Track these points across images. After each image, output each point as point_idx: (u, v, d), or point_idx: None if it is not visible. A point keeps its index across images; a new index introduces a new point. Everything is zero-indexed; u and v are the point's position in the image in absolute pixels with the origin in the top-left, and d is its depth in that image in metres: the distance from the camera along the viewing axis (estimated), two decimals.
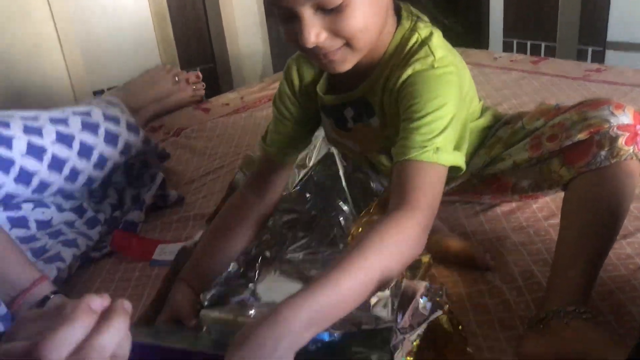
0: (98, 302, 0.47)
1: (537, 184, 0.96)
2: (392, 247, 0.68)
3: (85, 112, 1.25)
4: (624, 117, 0.83)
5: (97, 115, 1.26)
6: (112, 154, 1.24)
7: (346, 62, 0.78)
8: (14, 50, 2.20)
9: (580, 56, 2.81)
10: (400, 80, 0.80)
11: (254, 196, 0.96)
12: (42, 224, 1.17)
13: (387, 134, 0.87)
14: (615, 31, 2.69)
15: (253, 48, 2.85)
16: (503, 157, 0.95)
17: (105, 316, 0.46)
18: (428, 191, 0.73)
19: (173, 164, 1.55)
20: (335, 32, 0.74)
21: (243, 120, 1.82)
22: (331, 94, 0.90)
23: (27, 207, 1.16)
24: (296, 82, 0.93)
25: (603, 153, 0.83)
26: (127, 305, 0.48)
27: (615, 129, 0.82)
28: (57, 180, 1.15)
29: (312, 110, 0.95)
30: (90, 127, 1.22)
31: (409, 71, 0.80)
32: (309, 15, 0.72)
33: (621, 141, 0.82)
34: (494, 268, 0.99)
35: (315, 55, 0.78)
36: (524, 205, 1.16)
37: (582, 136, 0.84)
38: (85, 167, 1.20)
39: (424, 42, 0.82)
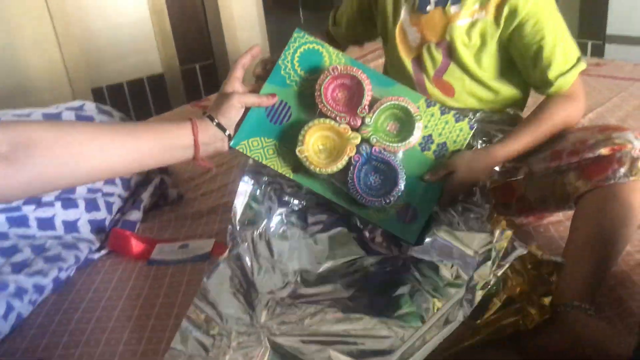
0: None
1: (544, 199, 0.99)
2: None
3: (78, 107, 1.26)
4: None
5: (90, 108, 1.26)
6: None
7: None
8: (12, 48, 2.20)
9: (580, 49, 2.79)
10: None
11: None
12: (43, 223, 1.17)
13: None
14: (614, 25, 2.68)
15: (252, 43, 2.81)
16: (521, 164, 0.98)
17: None
18: None
19: None
20: None
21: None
22: None
23: (27, 208, 1.16)
24: None
25: (622, 170, 0.87)
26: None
27: (637, 150, 0.87)
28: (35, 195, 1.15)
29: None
30: (84, 119, 1.22)
31: None
32: None
33: None
34: None
35: None
36: None
37: (604, 151, 0.89)
38: None
39: None
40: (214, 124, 0.84)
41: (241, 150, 0.90)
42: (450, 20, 1.00)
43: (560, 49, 0.98)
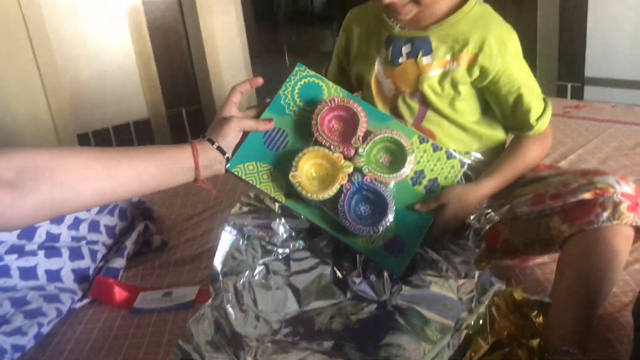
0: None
1: (529, 242, 1.00)
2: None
3: None
4: (627, 188, 0.91)
5: None
6: None
7: (409, 13, 0.97)
8: None
9: (561, 92, 2.86)
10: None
11: None
12: (25, 273, 1.15)
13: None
14: (592, 67, 2.75)
15: None
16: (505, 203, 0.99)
17: None
18: None
19: (156, 208, 1.54)
20: None
21: None
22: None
23: (9, 258, 1.14)
24: (355, 29, 1.12)
25: (606, 214, 0.88)
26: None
27: (619, 195, 0.89)
28: (41, 222, 1.14)
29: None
30: None
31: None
32: None
33: (624, 207, 0.88)
34: None
35: (386, 8, 0.96)
36: None
37: (587, 196, 0.90)
38: None
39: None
40: (214, 147, 0.88)
41: (237, 173, 0.93)
42: (422, 72, 1.02)
43: (534, 94, 1.03)
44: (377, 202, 0.94)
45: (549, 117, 1.05)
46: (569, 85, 2.82)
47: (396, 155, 0.96)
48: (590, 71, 2.76)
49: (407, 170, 0.95)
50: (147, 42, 2.61)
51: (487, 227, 0.94)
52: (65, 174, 0.72)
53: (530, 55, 3.32)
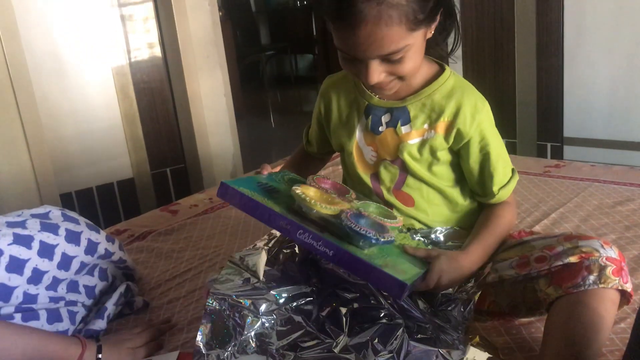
0: None
1: (515, 305, 1.01)
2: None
3: (44, 214, 1.24)
4: (611, 252, 0.93)
5: (56, 215, 1.25)
6: (76, 251, 1.22)
7: (393, 89, 1.01)
8: None
9: (541, 151, 2.92)
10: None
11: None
12: None
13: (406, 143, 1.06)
14: (570, 128, 2.83)
15: (223, 148, 2.89)
16: (490, 272, 1.01)
17: None
18: None
19: (139, 268, 1.52)
20: (391, 73, 0.96)
21: (211, 222, 1.81)
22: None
23: None
24: (333, 97, 1.15)
25: (592, 277, 0.90)
26: None
27: (604, 259, 0.91)
28: (18, 282, 1.11)
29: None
30: (49, 227, 1.20)
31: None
32: (375, 64, 0.93)
33: (609, 270, 0.90)
34: None
35: (372, 86, 0.99)
36: None
37: (573, 259, 0.92)
38: (49, 267, 1.16)
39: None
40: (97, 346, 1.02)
41: (232, 185, 0.96)
42: (402, 140, 1.06)
43: (502, 160, 1.07)
44: (377, 226, 0.95)
45: (512, 188, 1.09)
46: (549, 145, 2.89)
47: (385, 214, 1.00)
48: (568, 131, 2.83)
49: (399, 224, 0.99)
50: (133, 102, 2.63)
51: (476, 298, 0.96)
52: None
53: (510, 115, 3.39)
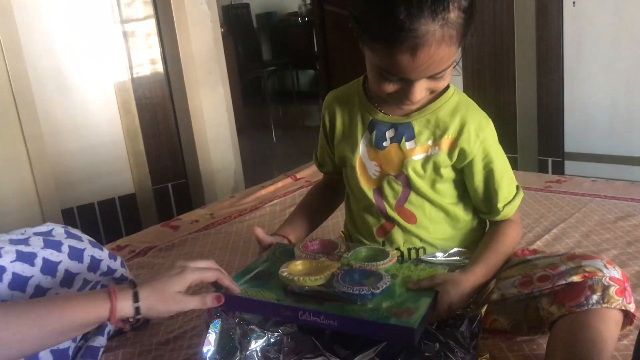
0: None
1: (517, 323, 1.00)
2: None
3: (47, 232, 1.24)
4: (615, 272, 0.93)
5: (59, 233, 1.25)
6: (79, 269, 1.21)
7: (422, 102, 1.02)
8: None
9: (542, 166, 2.92)
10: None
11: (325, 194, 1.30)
12: None
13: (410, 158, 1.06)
14: (571, 143, 2.83)
15: (225, 163, 2.90)
16: (493, 290, 1.01)
17: None
18: None
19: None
20: (431, 89, 0.97)
21: (212, 237, 1.81)
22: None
23: None
24: (337, 111, 1.15)
25: (595, 297, 0.89)
26: None
27: (607, 279, 0.91)
28: (21, 299, 1.11)
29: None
30: (52, 245, 1.20)
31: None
32: (422, 83, 0.93)
33: (612, 290, 0.90)
34: None
35: (409, 101, 0.97)
36: None
37: (576, 278, 0.92)
38: (52, 284, 1.16)
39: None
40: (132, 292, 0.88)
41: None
42: (406, 155, 1.06)
43: (506, 182, 1.08)
44: (370, 275, 0.95)
45: (517, 205, 1.09)
46: (550, 160, 2.89)
47: (378, 255, 1.02)
48: (569, 146, 2.84)
49: (393, 260, 1.00)
50: (135, 117, 2.65)
51: (482, 314, 0.97)
52: None
53: (511, 131, 3.40)
